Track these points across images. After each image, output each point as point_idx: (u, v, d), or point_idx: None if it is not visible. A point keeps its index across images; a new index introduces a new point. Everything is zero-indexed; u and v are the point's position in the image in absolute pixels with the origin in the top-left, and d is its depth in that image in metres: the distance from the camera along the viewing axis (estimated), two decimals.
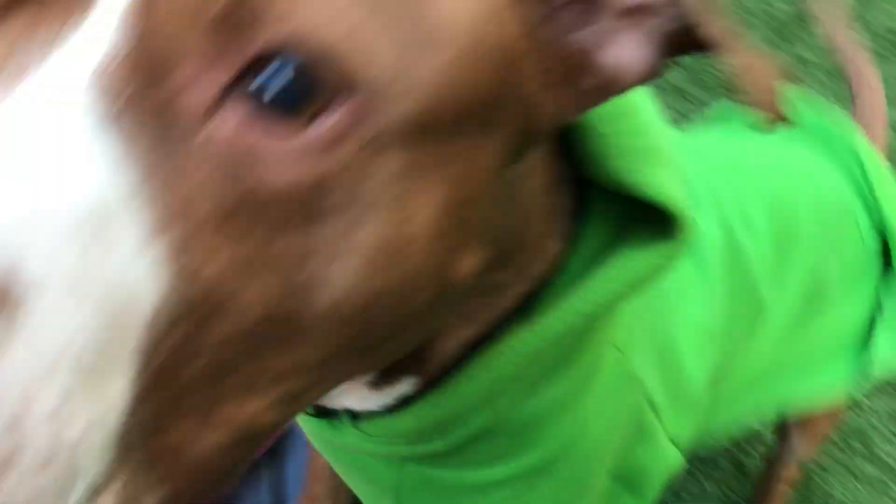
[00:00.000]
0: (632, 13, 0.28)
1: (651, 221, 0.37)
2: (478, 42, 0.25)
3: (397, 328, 0.27)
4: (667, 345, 0.52)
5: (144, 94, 0.21)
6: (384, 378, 0.36)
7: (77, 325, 0.20)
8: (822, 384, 0.69)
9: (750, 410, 0.66)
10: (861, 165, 0.73)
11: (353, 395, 0.37)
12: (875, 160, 0.74)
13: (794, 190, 0.67)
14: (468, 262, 0.29)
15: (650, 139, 0.36)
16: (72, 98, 0.21)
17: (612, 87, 0.29)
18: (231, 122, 0.21)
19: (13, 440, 0.19)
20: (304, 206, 0.22)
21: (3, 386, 0.19)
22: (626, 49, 0.29)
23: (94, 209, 0.20)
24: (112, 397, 0.21)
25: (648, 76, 0.29)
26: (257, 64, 0.21)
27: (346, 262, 0.24)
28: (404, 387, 0.37)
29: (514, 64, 0.27)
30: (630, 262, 0.37)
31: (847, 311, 0.70)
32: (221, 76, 0.21)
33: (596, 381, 0.44)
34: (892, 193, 0.73)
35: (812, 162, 0.73)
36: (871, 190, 0.72)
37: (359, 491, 0.51)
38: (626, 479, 0.51)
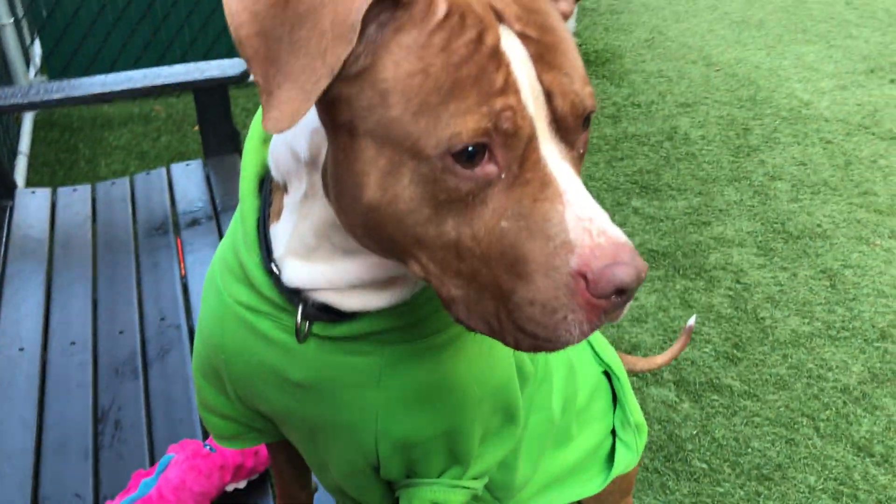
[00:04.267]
0: None
1: None
2: None
3: None
4: None
5: (568, 137, 0.63)
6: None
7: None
8: (585, 489, 1.12)
9: None
10: None
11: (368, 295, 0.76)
12: None
13: None
14: None
15: None
16: (559, 152, 0.62)
17: (566, 16, 0.71)
18: (583, 136, 0.66)
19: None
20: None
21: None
22: (569, 4, 0.72)
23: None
24: None
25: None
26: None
27: None
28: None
29: None
30: None
31: (594, 433, 1.13)
32: (581, 131, 0.64)
33: None
34: (605, 344, 1.18)
35: None
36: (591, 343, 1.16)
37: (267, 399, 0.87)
38: (506, 409, 0.87)
